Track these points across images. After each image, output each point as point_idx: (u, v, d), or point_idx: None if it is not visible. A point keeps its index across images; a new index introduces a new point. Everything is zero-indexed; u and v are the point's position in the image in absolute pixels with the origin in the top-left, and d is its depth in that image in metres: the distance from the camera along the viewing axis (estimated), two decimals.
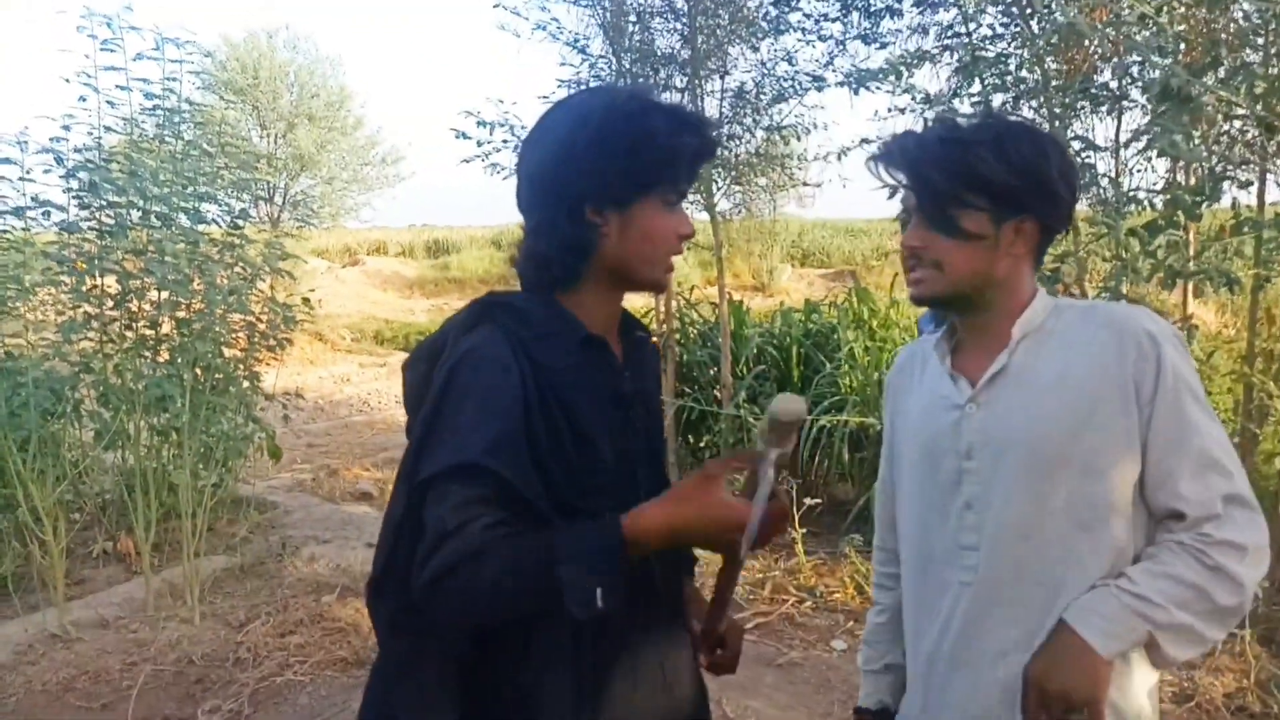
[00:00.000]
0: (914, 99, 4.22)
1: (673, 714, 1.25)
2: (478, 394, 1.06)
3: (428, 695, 1.12)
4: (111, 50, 4.09)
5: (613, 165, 1.12)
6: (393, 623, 1.14)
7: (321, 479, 6.42)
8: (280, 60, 18.03)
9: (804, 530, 4.36)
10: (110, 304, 4.20)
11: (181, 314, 4.30)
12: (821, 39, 5.25)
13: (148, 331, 4.33)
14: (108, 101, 4.22)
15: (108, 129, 4.29)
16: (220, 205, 4.65)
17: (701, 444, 5.90)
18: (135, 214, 4.18)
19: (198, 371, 4.22)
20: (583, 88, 5.75)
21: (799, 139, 5.86)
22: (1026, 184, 1.21)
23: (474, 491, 1.03)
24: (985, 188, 1.21)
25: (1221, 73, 3.32)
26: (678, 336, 6.23)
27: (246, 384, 4.68)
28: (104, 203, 4.13)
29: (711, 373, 6.08)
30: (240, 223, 4.67)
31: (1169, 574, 1.16)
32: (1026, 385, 1.25)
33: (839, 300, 7.11)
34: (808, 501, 4.44)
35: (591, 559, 1.00)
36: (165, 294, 4.16)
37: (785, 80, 5.59)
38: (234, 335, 4.61)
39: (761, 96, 5.63)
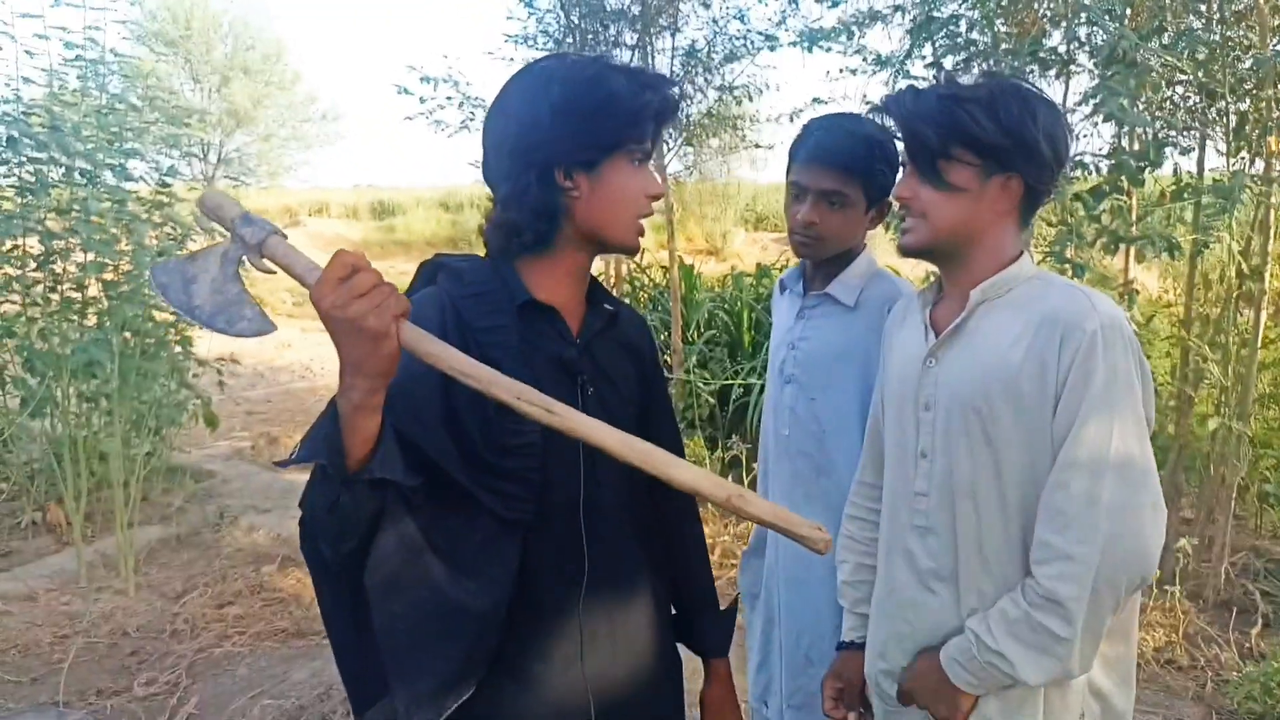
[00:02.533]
0: (865, 59, 4.19)
1: (581, 686, 1.23)
2: None
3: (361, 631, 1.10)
4: None
5: (579, 127, 1.13)
6: (308, 561, 1.14)
7: (261, 446, 6.26)
8: (213, 10, 17.36)
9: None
10: (33, 265, 4.02)
11: (109, 276, 4.13)
12: None
13: (74, 294, 4.17)
14: (25, 51, 4.02)
15: (26, 80, 4.08)
16: (148, 162, 4.46)
17: None
18: (58, 171, 4.00)
19: (127, 336, 4.07)
20: (537, 44, 5.62)
21: (751, 99, 5.81)
22: (1012, 143, 1.25)
23: None
24: (973, 144, 1.26)
25: (1166, 38, 3.35)
26: (628, 301, 6.17)
27: (178, 349, 4.53)
28: (23, 159, 3.95)
29: (662, 338, 6.05)
30: (169, 180, 4.48)
31: (1009, 619, 1.24)
32: (974, 349, 1.31)
33: (792, 264, 7.10)
34: (757, 466, 4.46)
35: (318, 427, 1.00)
36: (91, 255, 3.98)
37: (737, 39, 5.52)
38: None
39: (713, 55, 5.55)
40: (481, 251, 1.25)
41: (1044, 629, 1.20)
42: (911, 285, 1.81)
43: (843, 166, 1.66)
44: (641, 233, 1.23)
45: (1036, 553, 1.23)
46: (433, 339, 0.99)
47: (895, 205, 1.42)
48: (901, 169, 1.37)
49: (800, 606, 1.83)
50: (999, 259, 1.32)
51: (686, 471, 1.00)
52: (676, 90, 1.23)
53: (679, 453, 1.22)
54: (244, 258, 1.00)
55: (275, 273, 1.00)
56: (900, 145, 1.36)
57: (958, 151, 1.27)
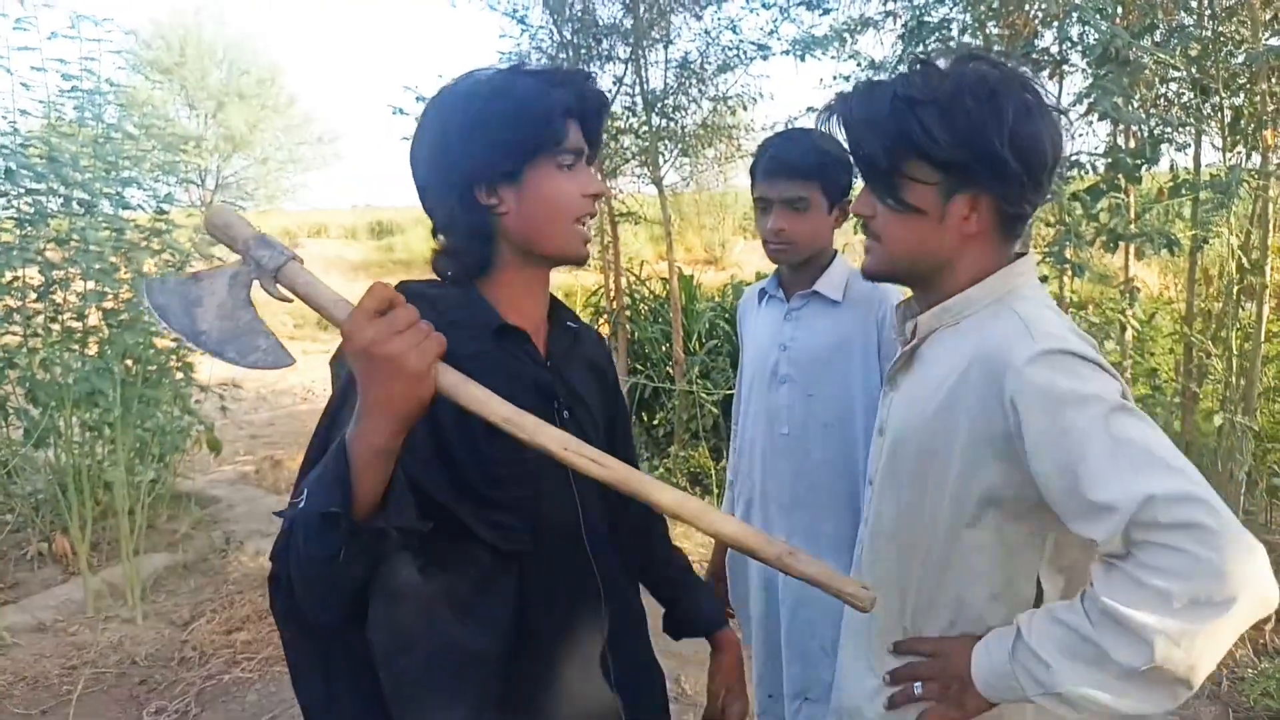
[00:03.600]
0: (859, 65, 4.20)
1: (615, 705, 1.21)
2: None
3: (334, 684, 1.08)
4: (25, 29, 3.89)
5: (489, 140, 1.09)
6: (283, 613, 1.08)
7: (265, 470, 6.25)
8: (208, 37, 17.44)
9: None
10: (33, 296, 4.03)
11: (109, 304, 4.14)
12: (765, 6, 5.18)
13: (74, 324, 4.17)
14: (22, 84, 4.04)
15: (23, 112, 4.10)
16: (146, 189, 4.48)
17: (655, 421, 5.87)
18: (56, 201, 4.01)
19: (128, 363, 4.07)
20: (530, 60, 5.63)
21: (745, 109, 5.82)
22: (970, 155, 1.05)
23: None
24: (927, 158, 1.07)
25: (1158, 36, 3.35)
26: (628, 313, 6.17)
27: (180, 375, 4.53)
28: (22, 190, 3.96)
29: (663, 349, 6.04)
30: (167, 207, 4.50)
31: (1062, 621, 1.01)
32: (921, 379, 1.17)
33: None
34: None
35: (322, 473, 0.92)
36: (91, 284, 3.99)
37: (730, 49, 5.53)
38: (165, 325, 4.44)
39: (706, 66, 5.56)
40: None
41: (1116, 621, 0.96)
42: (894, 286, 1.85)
43: (799, 174, 1.78)
44: (586, 240, 1.17)
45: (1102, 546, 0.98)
46: (474, 383, 0.92)
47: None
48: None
49: (814, 596, 1.83)
50: (976, 281, 1.13)
51: (732, 525, 0.96)
52: (592, 80, 1.17)
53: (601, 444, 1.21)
54: (257, 282, 0.93)
55: (291, 301, 0.94)
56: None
57: (911, 167, 1.08)
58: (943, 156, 1.05)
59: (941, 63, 1.10)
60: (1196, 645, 0.90)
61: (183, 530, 4.73)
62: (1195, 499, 0.92)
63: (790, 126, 2.08)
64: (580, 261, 1.19)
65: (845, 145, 1.17)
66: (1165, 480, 0.93)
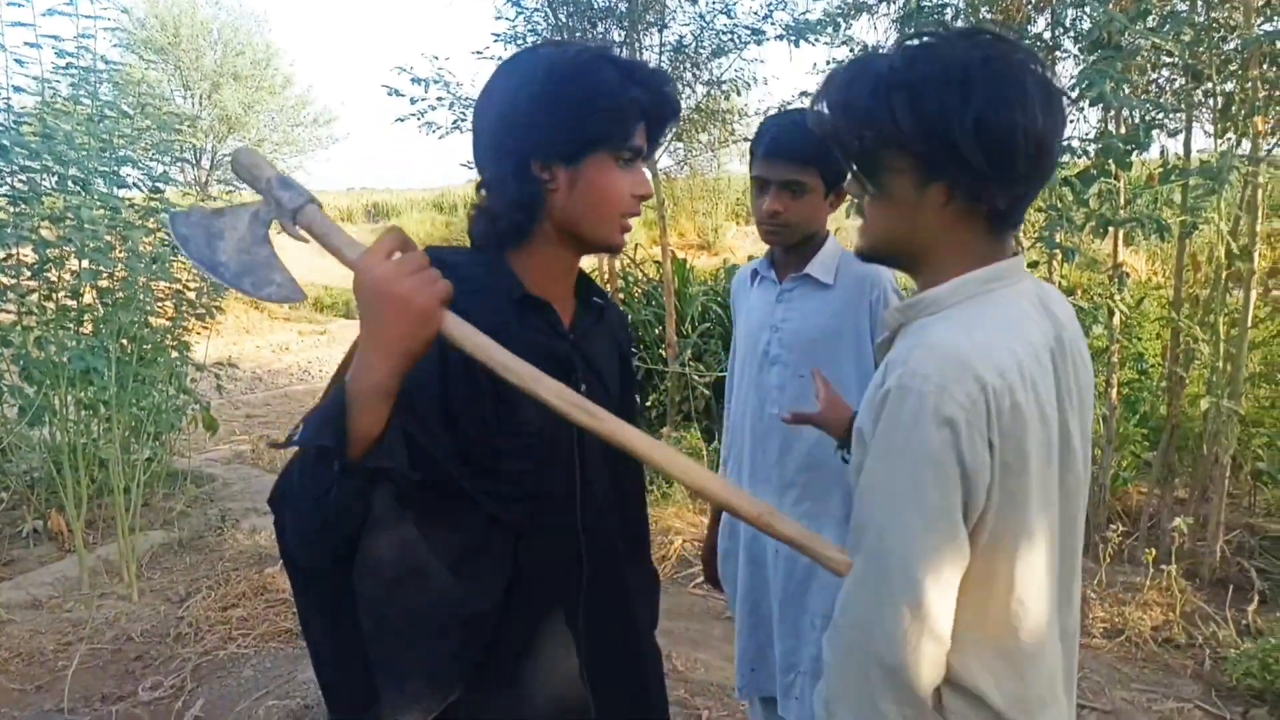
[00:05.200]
0: (852, 51, 4.21)
1: (630, 674, 1.25)
2: None
3: (341, 637, 1.07)
4: (19, 5, 3.87)
5: (557, 119, 1.09)
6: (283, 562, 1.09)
7: (261, 450, 6.27)
8: (202, 17, 17.32)
9: None
10: (28, 274, 4.03)
11: (104, 283, 4.14)
12: None
13: (69, 302, 4.17)
14: (16, 60, 4.02)
15: (17, 89, 4.08)
16: (141, 169, 4.47)
17: (648, 403, 5.90)
18: (51, 179, 4.00)
19: (124, 342, 4.08)
20: (526, 43, 5.62)
21: (739, 94, 5.84)
22: (935, 145, 1.00)
23: None
24: (900, 147, 1.02)
25: (1151, 21, 3.36)
26: (622, 296, 6.20)
27: (175, 354, 4.54)
28: (16, 167, 3.95)
29: (656, 332, 6.07)
30: (162, 187, 4.49)
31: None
32: (881, 370, 1.16)
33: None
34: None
35: (320, 411, 0.95)
36: (85, 262, 3.99)
37: (724, 34, 5.54)
38: (160, 304, 4.46)
39: (701, 50, 5.57)
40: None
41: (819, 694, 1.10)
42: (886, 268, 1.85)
43: (798, 158, 1.77)
44: (626, 230, 1.18)
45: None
46: (474, 330, 0.95)
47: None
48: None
49: (804, 572, 1.88)
50: (953, 272, 1.08)
51: (716, 484, 1.01)
52: (673, 87, 1.17)
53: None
54: (277, 221, 0.96)
55: (308, 241, 0.97)
56: None
57: (887, 156, 1.04)
58: (912, 146, 1.01)
59: (938, 41, 1.05)
60: None
61: (178, 508, 4.76)
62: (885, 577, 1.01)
63: (793, 107, 2.05)
64: (615, 252, 1.23)
65: None
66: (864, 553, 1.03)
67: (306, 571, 1.05)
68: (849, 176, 1.15)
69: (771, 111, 5.00)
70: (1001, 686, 1.05)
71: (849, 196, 1.24)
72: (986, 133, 0.98)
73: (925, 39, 1.06)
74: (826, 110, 1.09)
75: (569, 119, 1.09)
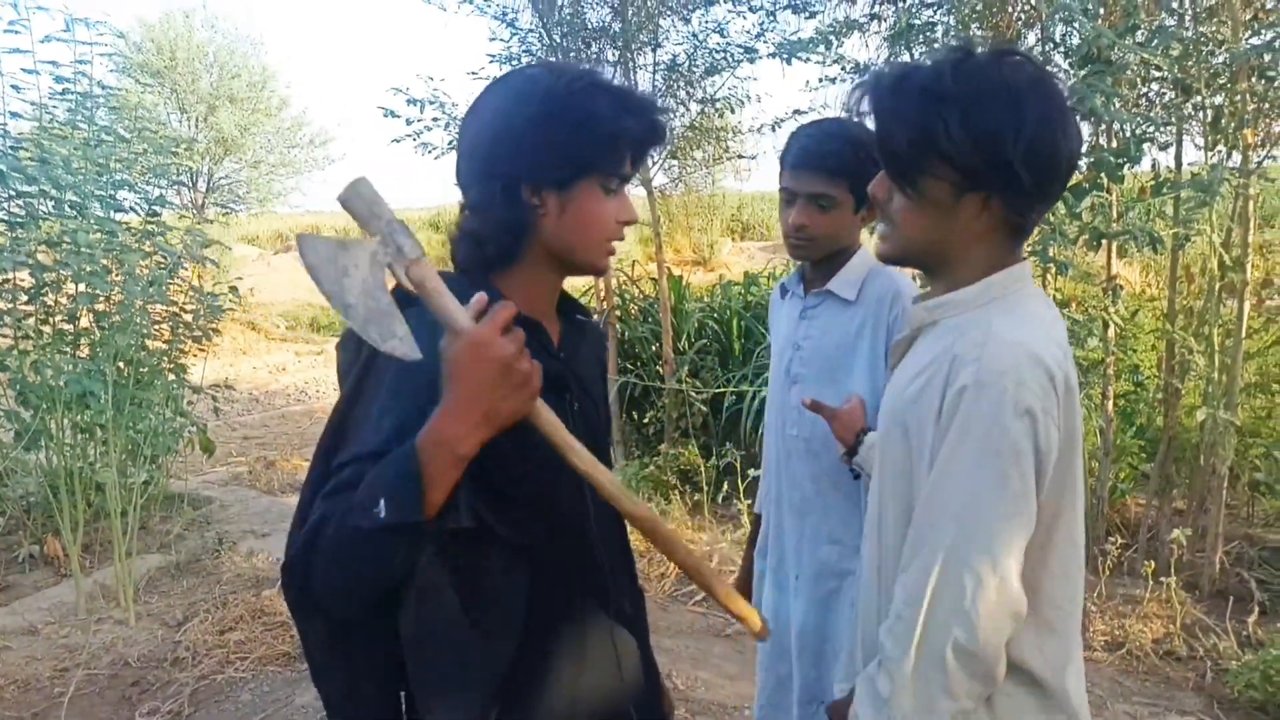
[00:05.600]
0: (844, 68, 4.24)
1: (622, 693, 1.24)
2: (394, 379, 1.02)
3: (355, 673, 1.10)
4: (16, 32, 3.90)
5: (551, 145, 1.08)
6: (295, 605, 1.10)
7: (259, 471, 6.25)
8: (198, 40, 17.41)
9: (749, 501, 4.40)
10: (24, 299, 4.03)
11: (100, 306, 4.14)
12: (752, 10, 5.22)
13: (66, 326, 4.18)
14: (13, 86, 4.04)
15: (14, 115, 4.11)
16: (137, 192, 4.49)
17: (645, 420, 5.90)
18: (47, 204, 4.02)
19: (120, 365, 4.08)
20: (520, 64, 5.65)
21: (733, 111, 5.86)
22: (983, 162, 1.07)
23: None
24: (946, 158, 1.08)
25: (1140, 36, 3.39)
26: (618, 313, 6.20)
27: (172, 377, 4.54)
28: (13, 192, 3.97)
29: (653, 349, 6.07)
30: (159, 210, 4.51)
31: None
32: (903, 369, 1.21)
33: (778, 272, 7.16)
34: (751, 473, 4.48)
35: (387, 479, 0.93)
36: (82, 286, 4.00)
37: (717, 52, 5.57)
38: (156, 327, 4.46)
39: (694, 69, 5.60)
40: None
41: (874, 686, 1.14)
42: (910, 281, 1.83)
43: (828, 170, 1.70)
44: (611, 253, 1.19)
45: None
46: (550, 409, 0.99)
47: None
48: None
49: (828, 600, 1.84)
50: (980, 277, 1.15)
51: (682, 552, 1.14)
52: (665, 116, 1.18)
53: (601, 437, 1.30)
54: (391, 267, 0.93)
55: (414, 294, 0.94)
56: None
57: (930, 164, 1.09)
58: (959, 157, 1.07)
59: (982, 58, 1.10)
60: None
61: (175, 531, 4.74)
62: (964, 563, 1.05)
63: (824, 116, 1.98)
64: (600, 274, 1.24)
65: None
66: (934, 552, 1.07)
67: (319, 617, 1.07)
68: (879, 177, 1.18)
69: (765, 130, 5.02)
70: (1044, 653, 1.12)
71: (871, 199, 1.26)
72: (1036, 153, 1.06)
73: (963, 54, 1.11)
74: (873, 114, 1.13)
75: (563, 146, 1.08)
